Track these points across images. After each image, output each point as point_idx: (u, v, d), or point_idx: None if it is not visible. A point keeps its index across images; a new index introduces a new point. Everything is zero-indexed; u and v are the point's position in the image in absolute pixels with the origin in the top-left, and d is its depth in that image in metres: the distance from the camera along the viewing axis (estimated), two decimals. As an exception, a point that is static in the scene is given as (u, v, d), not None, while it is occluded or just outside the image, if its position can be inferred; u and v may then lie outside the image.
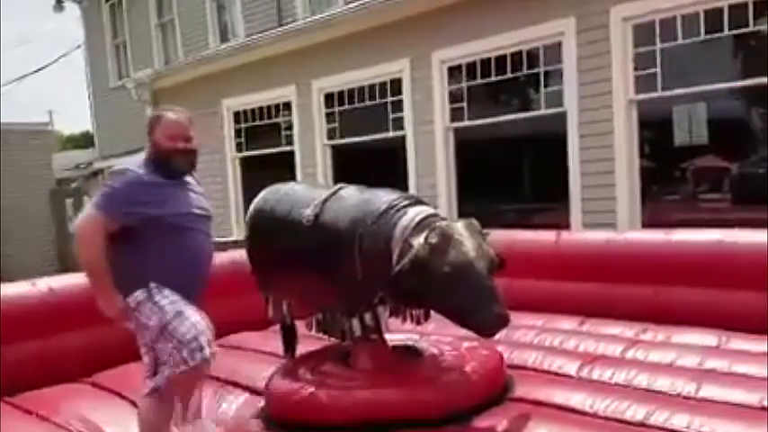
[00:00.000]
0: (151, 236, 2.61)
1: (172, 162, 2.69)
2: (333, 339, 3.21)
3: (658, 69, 5.68)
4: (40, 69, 24.92)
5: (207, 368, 2.65)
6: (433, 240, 2.55)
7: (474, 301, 2.53)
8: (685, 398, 2.77)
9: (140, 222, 2.60)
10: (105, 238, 2.58)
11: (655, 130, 6.12)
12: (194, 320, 2.58)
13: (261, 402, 3.04)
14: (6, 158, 14.34)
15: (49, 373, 3.50)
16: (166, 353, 2.59)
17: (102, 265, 2.59)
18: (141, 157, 2.76)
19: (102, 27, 14.76)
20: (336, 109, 8.54)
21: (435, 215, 2.78)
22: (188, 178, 2.81)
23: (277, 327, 3.58)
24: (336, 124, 8.58)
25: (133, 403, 3.07)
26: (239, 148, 10.15)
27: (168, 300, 2.59)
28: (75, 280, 4.06)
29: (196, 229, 2.73)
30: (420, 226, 2.65)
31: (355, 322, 2.91)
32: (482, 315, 2.54)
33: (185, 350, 2.54)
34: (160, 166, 2.68)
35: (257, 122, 9.77)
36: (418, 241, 2.58)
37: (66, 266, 14.07)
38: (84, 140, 24.15)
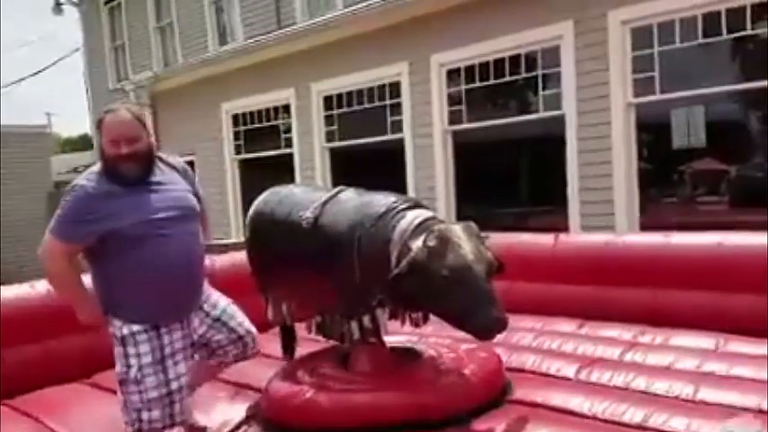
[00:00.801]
0: (115, 252, 2.41)
1: (118, 169, 2.40)
2: (332, 342, 3.22)
3: (656, 72, 5.70)
4: (38, 72, 24.94)
5: None
6: (431, 243, 2.55)
7: (472, 304, 2.53)
8: (683, 400, 2.77)
9: (100, 240, 2.40)
10: (70, 259, 2.46)
11: (653, 133, 6.15)
12: (150, 396, 2.42)
13: (259, 405, 3.04)
14: (4, 161, 14.35)
15: (49, 374, 3.50)
16: (120, 402, 2.51)
17: (68, 286, 2.50)
18: (98, 165, 2.50)
19: (101, 29, 14.76)
20: (335, 112, 8.56)
21: (434, 218, 2.79)
22: (156, 176, 2.51)
23: (277, 329, 3.59)
24: (335, 127, 8.60)
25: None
26: (238, 150, 10.16)
27: (140, 362, 2.42)
28: (56, 294, 4.07)
29: (168, 233, 2.44)
30: (418, 229, 2.66)
31: (354, 325, 2.91)
32: (480, 318, 2.54)
33: (129, 416, 2.46)
34: (109, 174, 2.42)
35: (256, 125, 9.78)
36: (416, 244, 2.58)
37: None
38: (82, 143, 24.15)
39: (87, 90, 15.55)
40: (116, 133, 2.40)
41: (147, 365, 2.42)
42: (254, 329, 2.87)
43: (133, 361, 2.42)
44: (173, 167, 2.62)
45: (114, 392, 3.28)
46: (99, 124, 2.47)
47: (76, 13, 15.47)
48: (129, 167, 2.41)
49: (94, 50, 15.12)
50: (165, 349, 2.45)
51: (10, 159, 14.55)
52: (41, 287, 3.81)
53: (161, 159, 2.60)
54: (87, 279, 2.58)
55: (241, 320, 2.82)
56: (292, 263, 3.00)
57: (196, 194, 2.67)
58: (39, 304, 3.70)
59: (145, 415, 2.44)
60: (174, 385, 2.48)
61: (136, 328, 2.43)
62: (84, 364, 3.65)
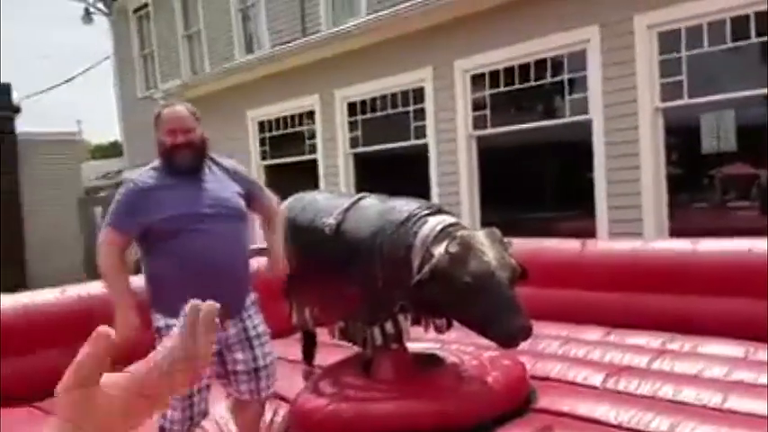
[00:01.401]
0: (154, 245, 2.55)
1: (174, 158, 2.56)
2: (355, 348, 3.22)
3: (684, 77, 5.62)
4: (68, 80, 25.44)
5: None
6: (454, 250, 2.54)
7: (495, 311, 2.52)
8: (712, 409, 2.73)
9: (144, 232, 2.54)
10: (122, 252, 2.57)
11: (681, 137, 6.06)
12: (171, 419, 2.49)
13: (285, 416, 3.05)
14: (35, 168, 14.65)
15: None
16: None
17: (115, 281, 2.57)
18: (153, 163, 2.68)
19: (130, 38, 15.03)
20: (359, 117, 8.59)
21: (457, 224, 2.78)
22: (209, 170, 2.64)
23: (298, 335, 3.61)
24: (359, 133, 8.63)
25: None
26: (263, 156, 10.25)
27: None
28: (103, 288, 4.14)
29: (204, 229, 2.51)
30: (441, 235, 2.65)
31: (376, 330, 2.91)
32: (503, 326, 2.53)
33: (163, 415, 2.49)
34: (165, 164, 2.59)
35: (281, 131, 9.86)
36: (439, 250, 2.58)
37: (94, 275, 14.31)
38: (111, 150, 24.55)
39: (117, 98, 15.83)
40: (173, 124, 2.57)
41: None
42: (275, 373, 2.76)
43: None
44: (224, 169, 2.71)
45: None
46: (156, 118, 2.62)
47: (106, 22, 15.76)
48: (185, 156, 2.55)
49: (123, 59, 15.39)
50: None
51: (41, 166, 14.85)
52: (72, 292, 3.89)
53: (213, 160, 2.70)
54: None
55: (269, 352, 2.74)
56: (315, 268, 3.01)
57: (250, 191, 2.73)
58: (69, 309, 3.77)
59: (168, 413, 2.49)
60: (195, 387, 2.48)
61: (172, 321, 2.44)
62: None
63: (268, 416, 3.03)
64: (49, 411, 3.18)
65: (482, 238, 2.62)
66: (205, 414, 2.63)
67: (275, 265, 2.87)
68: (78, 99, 42.02)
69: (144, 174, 2.63)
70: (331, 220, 2.97)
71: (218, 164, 2.71)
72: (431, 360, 3.19)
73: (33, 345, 3.54)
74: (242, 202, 2.68)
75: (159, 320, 2.55)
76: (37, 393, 3.38)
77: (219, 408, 3.10)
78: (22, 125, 14.97)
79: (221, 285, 2.49)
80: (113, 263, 2.57)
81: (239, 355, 2.67)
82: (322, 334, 3.47)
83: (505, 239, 2.73)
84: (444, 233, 2.66)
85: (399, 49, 7.77)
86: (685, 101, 5.66)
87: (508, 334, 2.56)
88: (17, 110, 14.99)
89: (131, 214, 2.53)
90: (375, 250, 2.78)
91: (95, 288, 4.11)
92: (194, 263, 2.47)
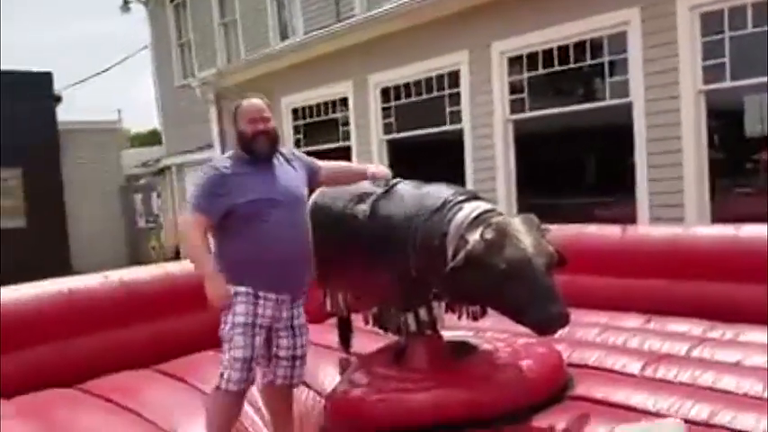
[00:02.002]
0: (232, 226, 2.71)
1: (254, 144, 2.78)
2: (389, 334, 3.23)
3: (727, 59, 5.46)
4: (107, 69, 25.89)
5: (231, 398, 2.70)
6: (489, 236, 2.52)
7: (531, 299, 2.49)
8: (752, 398, 2.67)
9: (225, 214, 2.69)
10: (204, 233, 2.73)
11: (724, 120, 5.90)
12: (235, 355, 2.65)
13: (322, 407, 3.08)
14: (76, 156, 14.98)
15: (119, 360, 3.63)
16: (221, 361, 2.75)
17: (199, 257, 2.72)
18: (228, 153, 2.91)
19: (168, 27, 15.21)
20: (393, 103, 8.56)
21: (492, 210, 2.75)
22: (277, 161, 2.86)
23: (332, 321, 3.64)
24: (393, 119, 8.60)
25: (198, 389, 3.19)
26: (297, 143, 10.29)
27: (233, 320, 2.67)
28: (144, 273, 4.23)
29: (276, 214, 2.71)
30: (476, 222, 2.62)
31: (410, 317, 2.91)
32: (539, 314, 2.50)
33: (221, 374, 2.69)
34: (245, 151, 2.79)
35: (315, 118, 9.89)
36: (474, 237, 2.55)
37: (135, 260, 14.62)
38: (150, 138, 24.94)
39: (155, 87, 16.06)
40: (254, 114, 2.80)
41: (239, 325, 2.66)
42: (305, 363, 2.92)
43: (229, 319, 2.67)
44: (287, 158, 2.93)
45: (179, 379, 3.42)
46: (236, 110, 2.84)
47: (143, 11, 15.97)
48: (263, 143, 2.78)
49: (161, 48, 15.59)
50: (258, 318, 2.68)
51: (82, 155, 15.18)
52: (114, 277, 3.98)
53: (281, 153, 2.92)
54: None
55: (306, 342, 2.90)
56: (349, 254, 3.02)
57: (311, 169, 2.99)
58: (111, 294, 3.86)
59: (226, 374, 2.66)
60: (256, 352, 2.69)
61: (241, 289, 2.67)
62: (151, 351, 3.78)
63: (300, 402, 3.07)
64: (91, 393, 3.27)
65: (518, 225, 2.59)
66: (254, 380, 2.76)
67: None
68: (118, 88, 42.77)
69: (221, 160, 2.84)
70: (365, 206, 2.97)
71: (284, 156, 2.92)
72: (464, 348, 3.18)
73: (76, 329, 3.63)
74: (306, 191, 2.94)
75: (232, 287, 2.70)
76: (80, 375, 3.49)
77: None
78: (64, 114, 15.34)
79: (293, 269, 2.76)
80: (199, 243, 2.71)
81: (284, 341, 2.82)
82: (357, 320, 3.49)
83: (543, 226, 2.70)
84: (479, 220, 2.63)
85: (434, 32, 7.70)
86: (728, 83, 5.51)
87: (545, 321, 2.53)
88: (58, 99, 15.34)
89: (215, 197, 2.70)
90: (409, 237, 2.77)
91: (136, 273, 4.21)
92: (270, 246, 2.68)
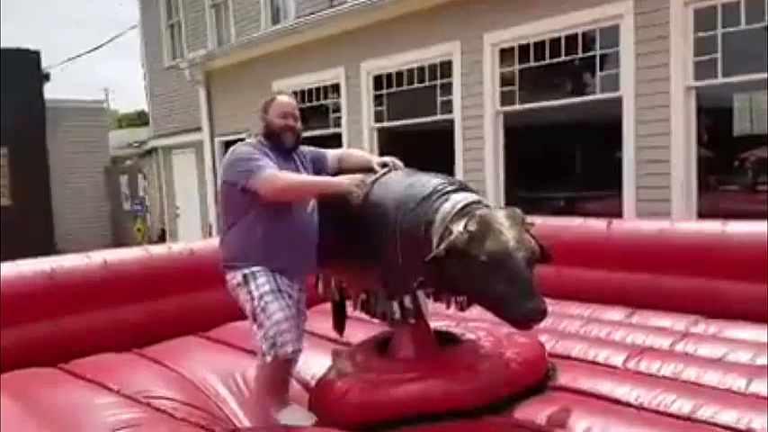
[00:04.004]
0: (258, 206, 2.80)
1: (282, 136, 2.96)
2: (376, 320, 3.23)
3: (719, 55, 5.47)
4: (95, 49, 25.54)
5: (286, 365, 2.84)
6: (472, 228, 2.50)
7: (510, 291, 2.48)
8: (735, 393, 2.69)
9: (254, 192, 2.77)
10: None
11: (714, 118, 5.92)
12: (277, 318, 2.74)
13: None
14: (63, 136, 14.81)
15: (101, 342, 3.61)
16: (257, 337, 2.79)
17: (308, 184, 2.93)
18: (249, 139, 3.07)
19: (158, 7, 15.03)
20: (385, 91, 8.52)
21: (479, 202, 2.74)
22: (295, 155, 3.04)
23: (320, 307, 3.63)
24: (384, 107, 8.57)
25: (177, 372, 3.17)
26: (288, 129, 10.23)
27: (259, 291, 2.76)
28: (128, 255, 4.20)
29: (297, 205, 2.90)
30: (462, 212, 2.61)
31: (395, 305, 2.91)
32: (516, 308, 2.49)
33: (266, 344, 2.74)
34: (271, 141, 2.95)
35: (306, 104, 9.82)
36: (457, 228, 2.54)
37: (120, 242, 14.52)
38: (138, 119, 24.74)
39: (144, 67, 15.89)
40: (288, 109, 3.02)
41: (267, 293, 2.77)
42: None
43: (255, 293, 2.77)
44: (302, 153, 3.10)
45: (159, 363, 3.40)
46: (270, 102, 3.03)
47: (134, -10, 15.76)
48: (289, 137, 2.99)
49: (150, 28, 15.41)
50: (282, 286, 2.80)
51: (68, 134, 15.01)
52: (97, 258, 3.95)
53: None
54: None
55: (305, 321, 3.09)
56: (341, 240, 3.01)
57: (319, 161, 3.15)
58: (92, 276, 3.83)
59: (279, 339, 2.73)
60: (293, 313, 2.80)
61: (255, 268, 2.80)
62: (133, 334, 3.76)
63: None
64: (74, 373, 3.24)
65: (502, 218, 2.56)
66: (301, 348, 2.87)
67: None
68: (106, 68, 42.29)
69: (250, 143, 2.99)
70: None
71: (301, 152, 3.10)
72: (447, 337, 3.18)
73: (58, 309, 3.59)
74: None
75: (243, 270, 2.81)
76: (63, 355, 3.46)
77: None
78: (51, 93, 15.14)
79: (304, 254, 2.94)
80: (293, 179, 2.86)
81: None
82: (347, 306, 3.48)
83: (528, 219, 2.68)
84: (465, 211, 2.62)
85: (427, 21, 7.66)
86: (719, 80, 5.52)
87: (522, 315, 2.52)
88: (46, 77, 15.14)
89: (263, 159, 2.81)
90: (396, 224, 2.76)
91: (120, 254, 4.18)
92: (291, 226, 2.86)
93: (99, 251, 4.16)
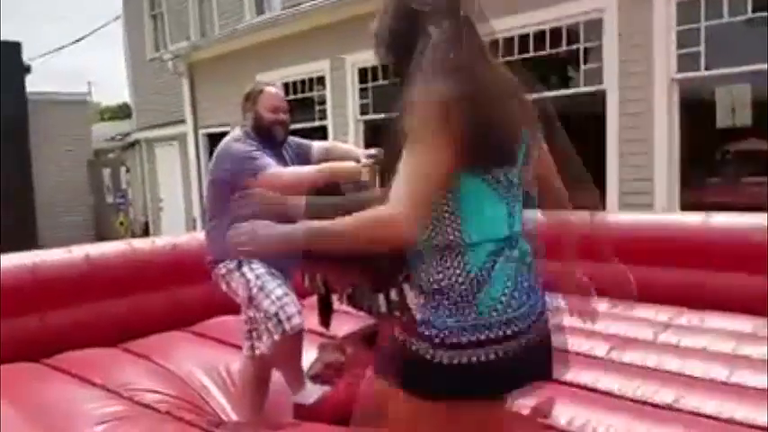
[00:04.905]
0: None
1: (272, 130, 2.89)
2: (362, 313, 3.22)
3: (702, 48, 5.51)
4: (78, 40, 25.22)
5: (296, 339, 2.81)
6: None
7: None
8: (717, 383, 2.72)
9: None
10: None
11: (696, 110, 5.96)
12: (277, 294, 2.73)
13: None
14: (45, 129, 14.62)
15: (85, 337, 3.58)
16: (258, 322, 2.77)
17: (302, 176, 2.73)
18: (236, 132, 2.91)
19: (141, -2, 14.88)
20: (370, 84, 8.50)
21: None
22: (284, 149, 2.97)
23: (305, 301, 3.61)
24: (369, 100, 8.54)
25: (162, 366, 3.15)
26: (273, 121, 10.19)
27: (254, 273, 2.75)
28: (110, 249, 4.16)
29: None
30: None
31: (381, 298, 2.90)
32: None
33: (270, 323, 2.72)
34: (261, 135, 2.87)
35: (291, 96, 9.77)
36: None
37: (103, 235, 14.39)
38: (121, 112, 24.49)
39: (126, 59, 15.73)
40: (278, 102, 2.93)
41: (263, 273, 2.75)
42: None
43: (250, 275, 2.76)
44: (290, 146, 3.03)
45: (144, 357, 3.37)
46: (258, 93, 2.91)
47: (116, -19, 15.59)
48: (279, 131, 2.91)
49: (133, 19, 15.25)
50: (273, 271, 2.79)
51: (50, 127, 14.82)
52: (79, 252, 3.91)
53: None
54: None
55: None
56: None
57: (306, 154, 3.06)
58: (74, 271, 3.79)
59: (282, 314, 2.71)
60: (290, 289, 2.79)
61: (254, 264, 2.78)
62: (117, 329, 3.73)
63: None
64: (57, 368, 3.21)
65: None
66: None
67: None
68: (89, 60, 41.78)
69: (238, 136, 2.88)
70: (348, 185, 2.96)
71: (290, 145, 3.04)
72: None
73: (41, 304, 3.56)
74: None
75: (231, 263, 2.78)
76: (46, 350, 3.43)
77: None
78: (33, 85, 14.94)
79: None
80: (288, 171, 2.78)
81: None
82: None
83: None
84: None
85: (412, 14, 7.63)
86: (702, 72, 5.56)
87: None
88: (27, 69, 14.92)
89: (260, 157, 2.73)
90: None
91: (103, 248, 4.14)
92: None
93: (81, 245, 4.13)
